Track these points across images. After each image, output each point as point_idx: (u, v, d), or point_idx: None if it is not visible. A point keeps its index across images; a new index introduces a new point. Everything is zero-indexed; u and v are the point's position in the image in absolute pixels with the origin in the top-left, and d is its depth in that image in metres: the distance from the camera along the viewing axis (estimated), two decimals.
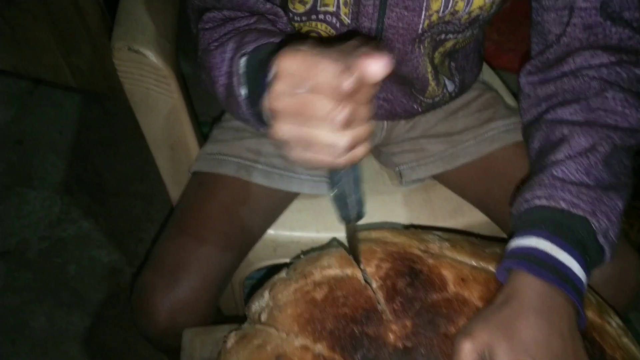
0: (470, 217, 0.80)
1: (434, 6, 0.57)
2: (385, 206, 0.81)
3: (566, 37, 0.57)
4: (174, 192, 0.82)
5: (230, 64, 0.51)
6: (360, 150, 0.39)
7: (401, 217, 0.81)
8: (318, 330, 0.47)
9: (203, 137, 0.83)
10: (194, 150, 0.79)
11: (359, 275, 0.51)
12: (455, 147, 0.78)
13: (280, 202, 0.80)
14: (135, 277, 1.33)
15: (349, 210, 0.46)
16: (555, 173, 0.51)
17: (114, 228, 1.44)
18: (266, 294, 0.55)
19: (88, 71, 1.65)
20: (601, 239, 0.48)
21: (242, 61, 0.49)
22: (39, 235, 1.43)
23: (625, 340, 0.49)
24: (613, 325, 0.49)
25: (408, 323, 0.46)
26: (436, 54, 0.66)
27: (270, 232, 0.80)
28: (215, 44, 0.55)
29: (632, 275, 0.66)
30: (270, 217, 0.80)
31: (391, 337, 0.45)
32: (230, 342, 0.53)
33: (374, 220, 0.78)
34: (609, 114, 0.53)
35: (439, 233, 0.58)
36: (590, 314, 0.49)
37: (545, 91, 0.60)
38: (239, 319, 0.58)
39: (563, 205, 0.49)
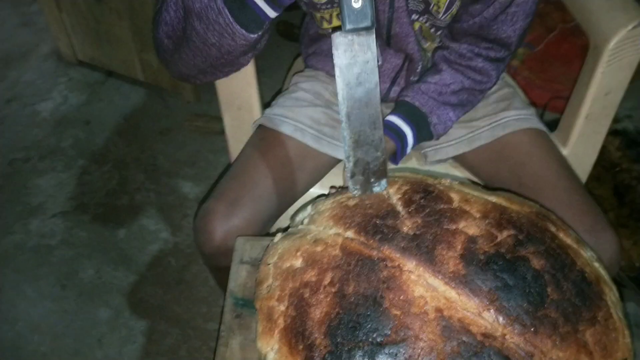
0: None
1: None
2: None
3: (470, 24, 0.84)
4: (234, 148, 0.97)
5: None
6: None
7: None
8: (348, 223, 0.60)
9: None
10: (256, 113, 0.94)
11: (384, 193, 0.64)
12: (474, 132, 0.92)
13: (325, 165, 0.94)
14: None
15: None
16: (422, 87, 0.88)
17: (163, 203, 1.60)
18: (309, 207, 0.68)
19: (157, 67, 1.85)
20: (432, 127, 0.89)
21: None
22: (96, 201, 1.61)
23: (596, 264, 0.60)
24: (588, 253, 0.61)
25: (419, 220, 0.58)
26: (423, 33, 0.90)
27: (312, 191, 0.94)
28: None
29: (607, 250, 0.77)
30: (315, 177, 0.94)
31: (405, 228, 0.58)
32: (277, 238, 0.66)
33: None
34: (472, 70, 0.87)
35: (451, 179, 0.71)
36: (569, 241, 0.61)
37: (450, 42, 0.89)
38: None
39: (416, 104, 0.88)
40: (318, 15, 0.88)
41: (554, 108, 1.69)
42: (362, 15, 0.58)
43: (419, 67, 0.92)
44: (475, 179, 0.95)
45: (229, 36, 0.68)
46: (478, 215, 0.60)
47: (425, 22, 0.87)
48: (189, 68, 0.77)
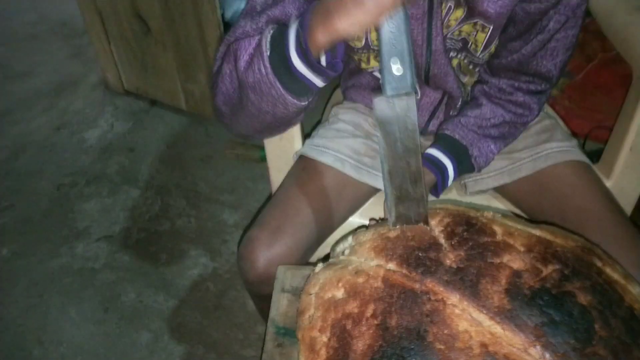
0: None
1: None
2: None
3: (509, 60, 0.86)
4: (275, 177, 0.99)
5: (258, 42, 0.68)
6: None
7: None
8: (390, 255, 0.61)
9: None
10: (297, 144, 0.96)
11: (426, 225, 0.64)
12: (515, 164, 0.91)
13: (364, 194, 0.95)
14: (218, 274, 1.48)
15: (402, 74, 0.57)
16: (461, 120, 0.90)
17: (203, 228, 1.63)
18: (350, 238, 0.69)
19: (199, 97, 1.91)
20: (473, 160, 0.89)
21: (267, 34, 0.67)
22: (139, 226, 1.65)
23: None
24: (637, 289, 0.60)
25: (462, 253, 0.58)
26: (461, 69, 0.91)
27: (351, 219, 0.94)
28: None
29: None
30: (355, 206, 0.95)
31: (448, 261, 0.58)
32: (318, 268, 0.67)
33: None
34: (513, 104, 0.88)
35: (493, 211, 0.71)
36: (616, 276, 0.60)
37: (490, 77, 0.90)
38: None
39: (456, 137, 0.89)
40: (356, 57, 0.90)
41: (595, 138, 1.66)
42: (403, 81, 0.60)
43: (459, 102, 0.93)
44: (517, 211, 0.94)
45: (282, 105, 0.71)
46: (522, 249, 0.59)
47: (464, 59, 0.88)
48: (247, 130, 0.81)
